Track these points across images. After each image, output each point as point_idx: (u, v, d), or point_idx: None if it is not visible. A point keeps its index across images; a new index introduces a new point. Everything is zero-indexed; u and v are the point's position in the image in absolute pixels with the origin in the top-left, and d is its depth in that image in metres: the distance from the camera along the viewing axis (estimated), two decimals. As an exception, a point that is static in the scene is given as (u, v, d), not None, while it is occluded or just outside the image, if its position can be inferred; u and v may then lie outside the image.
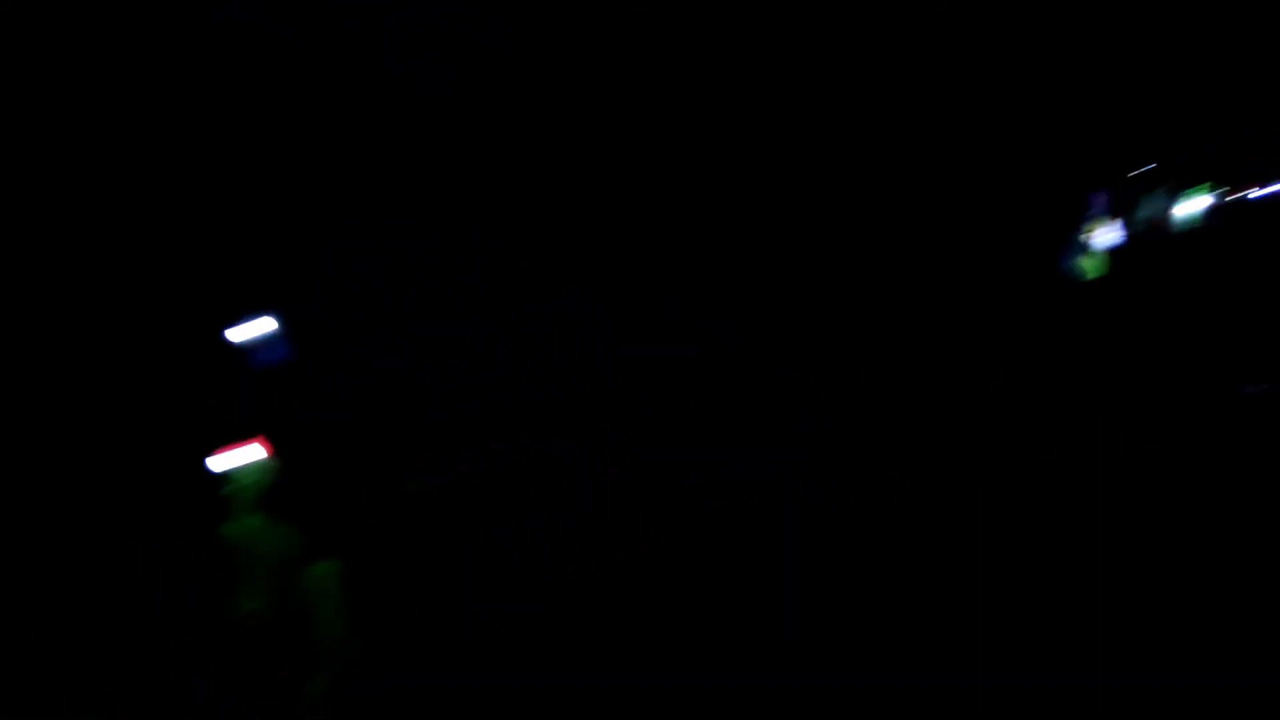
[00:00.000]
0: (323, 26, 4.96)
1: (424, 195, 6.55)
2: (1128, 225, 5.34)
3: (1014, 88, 6.34)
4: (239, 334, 4.74)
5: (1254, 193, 5.18)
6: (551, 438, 4.32)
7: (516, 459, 4.89)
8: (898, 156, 6.45)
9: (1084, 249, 5.31)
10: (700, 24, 6.35)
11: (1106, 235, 5.41)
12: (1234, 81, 5.27)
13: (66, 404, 4.49)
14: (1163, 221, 5.25)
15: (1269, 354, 4.25)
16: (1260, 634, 2.20)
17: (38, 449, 4.05)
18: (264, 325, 4.56)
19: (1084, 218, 5.35)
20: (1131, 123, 6.47)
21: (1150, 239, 5.26)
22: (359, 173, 6.15)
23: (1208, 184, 5.29)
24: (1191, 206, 5.26)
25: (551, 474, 4.18)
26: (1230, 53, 5.14)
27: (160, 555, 3.11)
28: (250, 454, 3.18)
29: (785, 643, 2.67)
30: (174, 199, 5.26)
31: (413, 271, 6.51)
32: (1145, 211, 5.37)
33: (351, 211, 6.14)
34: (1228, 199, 5.16)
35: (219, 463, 3.31)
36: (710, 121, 7.22)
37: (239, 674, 2.33)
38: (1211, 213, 5.24)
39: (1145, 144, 6.61)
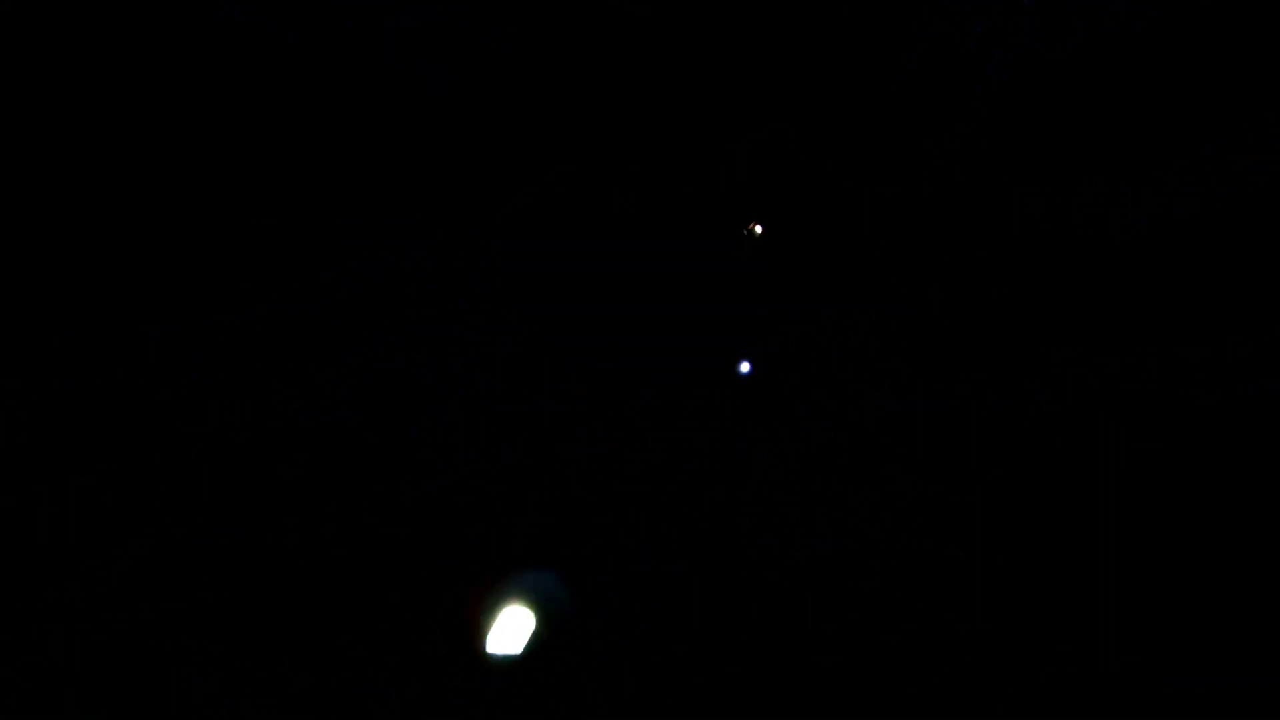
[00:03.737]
0: (323, 26, 4.97)
1: (424, 195, 6.56)
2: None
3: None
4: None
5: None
6: (551, 438, 4.33)
7: (516, 459, 4.90)
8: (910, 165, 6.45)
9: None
10: (699, 24, 6.36)
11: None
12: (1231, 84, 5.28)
13: (65, 402, 4.49)
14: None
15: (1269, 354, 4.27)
16: (1260, 634, 2.21)
17: (37, 447, 4.06)
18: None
19: None
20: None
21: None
22: (359, 173, 6.16)
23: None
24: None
25: (551, 474, 4.19)
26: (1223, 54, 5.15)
27: (160, 555, 3.12)
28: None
29: (787, 643, 2.68)
30: (174, 198, 5.27)
31: (413, 271, 6.52)
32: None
33: (351, 211, 6.15)
34: None
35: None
36: (710, 120, 7.23)
37: (239, 674, 2.34)
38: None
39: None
